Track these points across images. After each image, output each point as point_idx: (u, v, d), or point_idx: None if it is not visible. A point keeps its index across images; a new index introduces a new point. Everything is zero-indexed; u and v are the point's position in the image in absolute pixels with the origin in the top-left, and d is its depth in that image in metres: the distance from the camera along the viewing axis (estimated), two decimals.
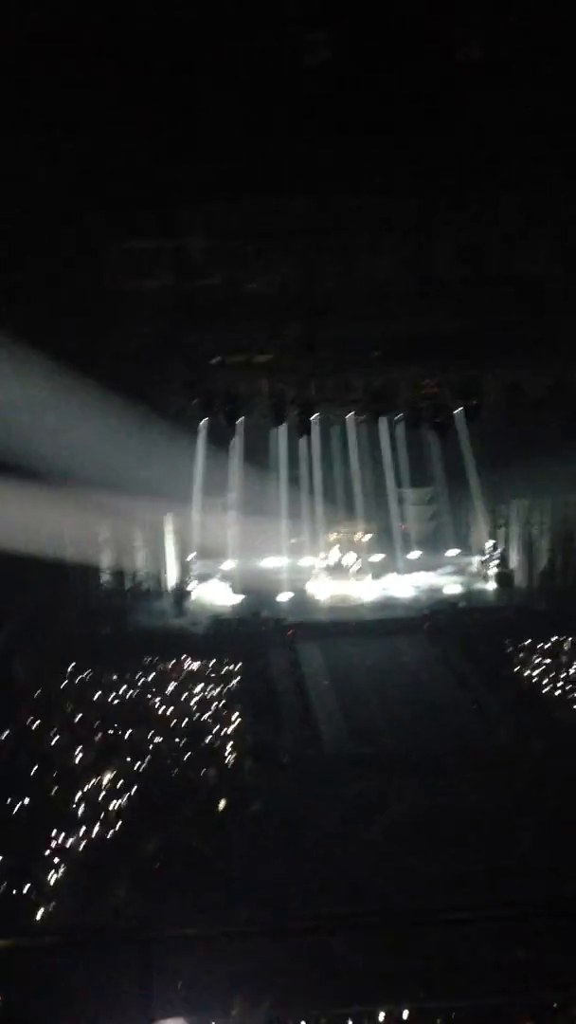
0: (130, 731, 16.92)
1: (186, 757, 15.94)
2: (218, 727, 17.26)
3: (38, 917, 12.08)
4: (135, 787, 14.93)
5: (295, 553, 25.92)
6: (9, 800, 14.32)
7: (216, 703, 18.37)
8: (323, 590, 24.65)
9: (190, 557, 25.01)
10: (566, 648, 20.54)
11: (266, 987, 7.86)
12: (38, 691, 18.41)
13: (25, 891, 12.35)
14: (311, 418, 24.21)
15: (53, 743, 16.31)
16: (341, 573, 25.15)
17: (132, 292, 21.18)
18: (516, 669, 19.81)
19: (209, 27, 15.47)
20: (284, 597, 24.12)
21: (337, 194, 19.99)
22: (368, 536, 26.01)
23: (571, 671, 19.28)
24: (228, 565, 25.34)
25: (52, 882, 12.64)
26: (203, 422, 24.24)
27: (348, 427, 25.61)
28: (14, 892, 12.25)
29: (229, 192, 19.89)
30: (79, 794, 14.64)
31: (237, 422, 23.90)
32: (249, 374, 23.59)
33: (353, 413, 25.26)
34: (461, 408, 24.16)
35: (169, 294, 21.62)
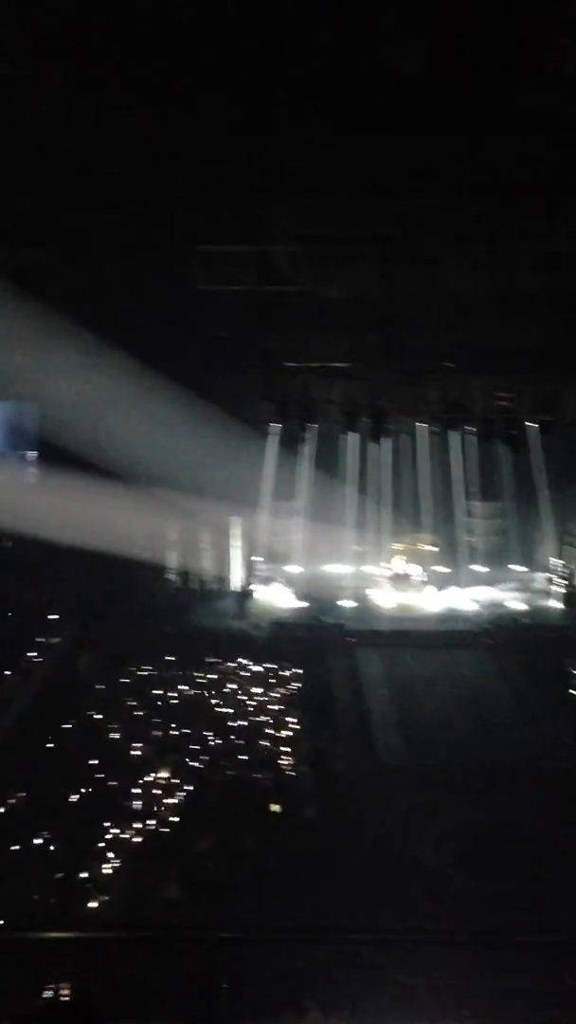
0: (188, 730, 17.15)
1: (242, 759, 16.11)
2: (275, 731, 17.41)
3: (92, 906, 12.38)
4: (191, 785, 15.15)
5: (359, 561, 25.95)
6: (69, 791, 14.65)
7: (274, 707, 18.51)
8: (385, 599, 24.67)
9: (255, 560, 25.19)
10: None
11: (326, 997, 7.98)
12: (101, 685, 18.72)
13: (81, 881, 12.65)
14: (383, 426, 24.22)
15: (113, 737, 16.59)
16: (404, 583, 25.13)
17: (213, 295, 21.41)
18: None
19: (299, 27, 15.55)
20: (346, 604, 24.19)
21: (420, 201, 19.96)
22: (433, 548, 25.95)
23: None
24: (292, 569, 25.46)
25: (107, 874, 12.88)
26: (276, 427, 24.38)
27: (419, 437, 25.57)
28: (71, 882, 12.54)
29: (312, 197, 20.00)
30: (136, 789, 14.90)
31: (309, 428, 24.02)
32: (324, 381, 23.69)
33: (426, 423, 25.21)
34: (535, 423, 23.97)
35: (249, 298, 21.80)
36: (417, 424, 25.33)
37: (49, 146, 17.63)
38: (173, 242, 20.70)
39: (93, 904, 12.46)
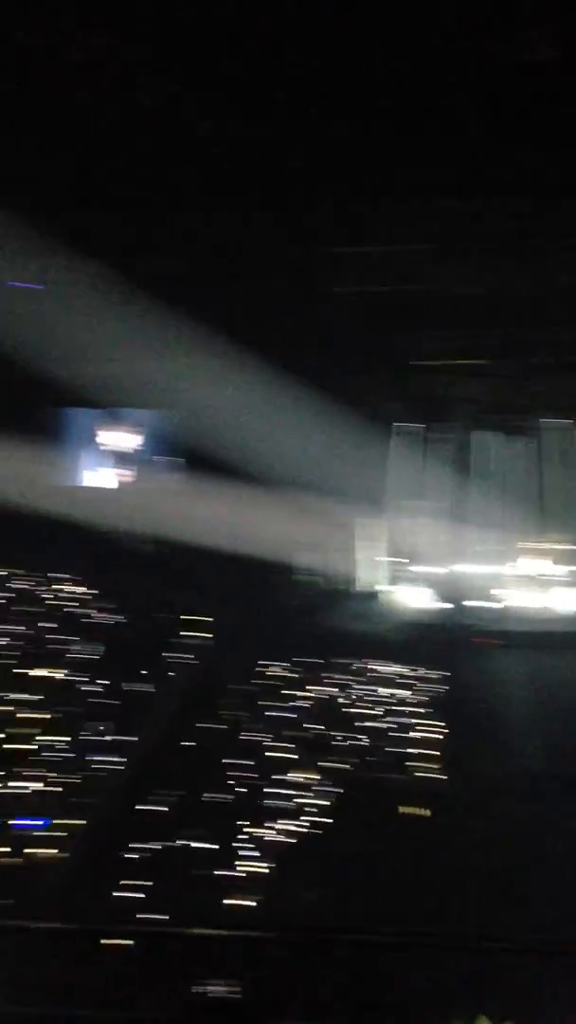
0: (324, 730, 17.28)
1: (382, 761, 16.13)
2: (409, 733, 17.38)
3: (238, 904, 12.63)
4: (334, 786, 15.26)
5: (493, 560, 25.57)
6: (213, 790, 14.96)
7: (407, 708, 18.48)
8: (521, 599, 24.25)
9: (384, 560, 25.11)
10: None
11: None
12: (242, 685, 19.02)
13: (227, 880, 12.91)
14: (515, 424, 23.83)
15: (255, 737, 16.85)
16: (539, 583, 24.66)
17: (341, 296, 21.46)
18: None
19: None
20: (480, 604, 23.89)
21: (551, 195, 19.56)
22: (567, 547, 25.37)
23: None
24: (424, 570, 25.28)
25: (253, 873, 13.10)
26: (406, 426, 24.27)
27: (552, 434, 25.04)
28: (218, 881, 12.82)
29: (441, 194, 19.82)
30: (280, 789, 15.10)
31: (439, 427, 23.82)
32: (455, 379, 23.46)
33: (559, 420, 24.68)
34: None
35: (377, 297, 21.76)
36: (550, 421, 24.81)
37: (192, 153, 18.01)
38: (303, 245, 20.83)
39: (240, 903, 12.69)
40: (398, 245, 21.22)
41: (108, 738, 16.16)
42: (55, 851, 13.53)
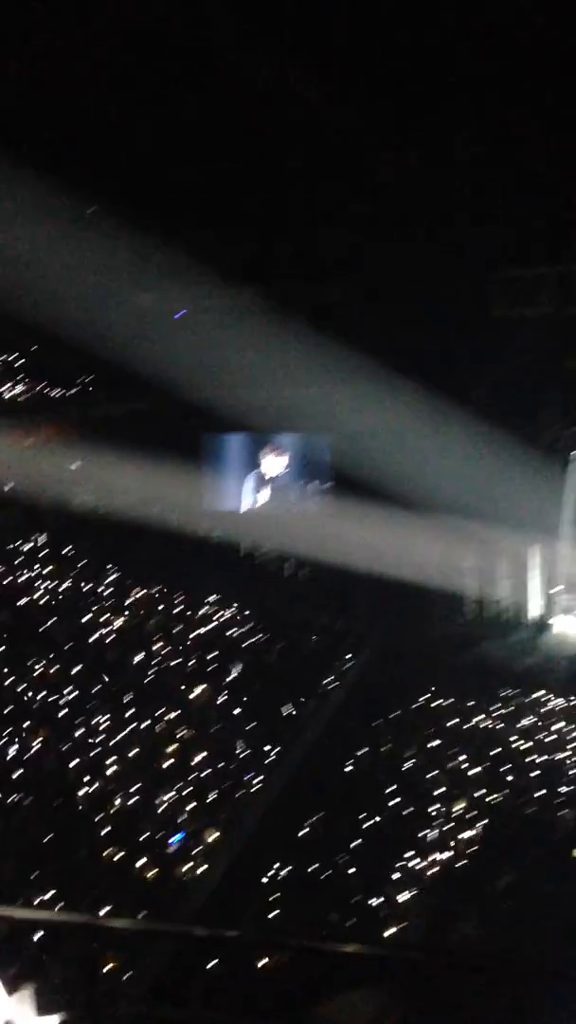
0: (484, 763, 16.66)
1: (542, 795, 15.39)
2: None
3: (386, 934, 12.24)
4: (487, 819, 14.67)
5: None
6: (365, 817, 14.65)
7: (574, 744, 17.59)
8: None
9: (557, 590, 24.22)
10: None
11: None
12: (394, 714, 18.64)
13: (376, 906, 12.56)
14: None
15: (407, 767, 16.44)
16: None
17: (513, 320, 21.10)
18: None
19: None
20: None
21: None
22: None
23: None
24: None
25: (402, 901, 12.70)
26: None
27: None
28: (368, 905, 12.48)
29: None
30: (431, 819, 14.63)
31: None
32: None
33: None
34: None
35: (550, 321, 21.28)
36: None
37: (349, 182, 18.18)
38: (472, 268, 20.62)
39: (389, 931, 12.31)
40: (573, 266, 20.70)
41: (256, 757, 16.09)
42: (203, 866, 13.48)
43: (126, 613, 19.70)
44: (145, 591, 20.28)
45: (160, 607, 20.21)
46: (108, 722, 16.09)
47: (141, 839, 13.68)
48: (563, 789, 15.64)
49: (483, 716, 18.78)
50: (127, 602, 20.27)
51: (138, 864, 13.17)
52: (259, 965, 10.77)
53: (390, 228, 19.76)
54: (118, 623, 19.33)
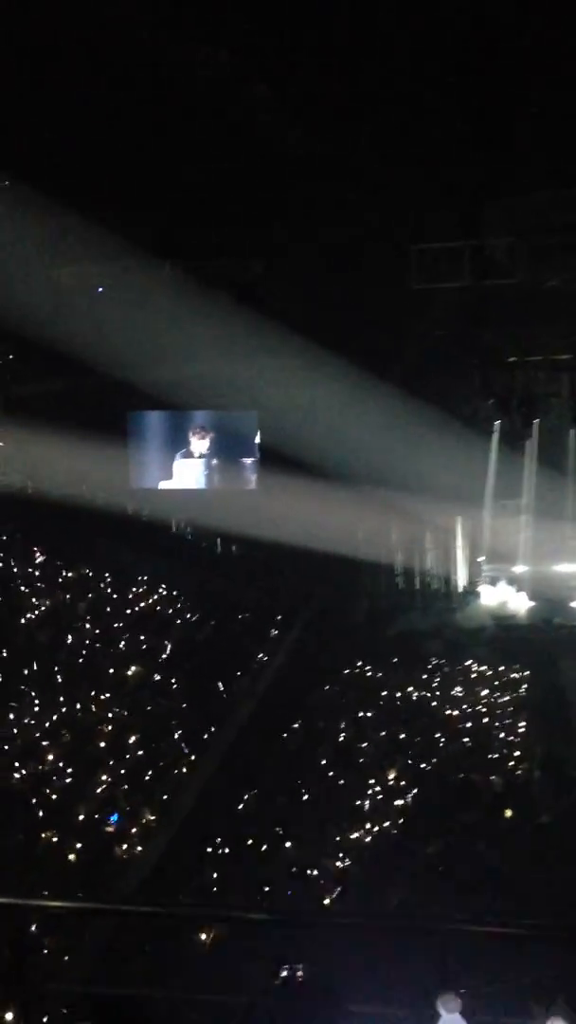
0: (415, 732, 16.98)
1: (471, 762, 15.77)
2: (505, 735, 16.95)
3: (325, 903, 12.45)
4: (418, 787, 14.97)
5: None
6: (298, 790, 14.84)
7: (503, 710, 18.04)
8: None
9: (480, 560, 24.69)
10: None
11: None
12: (327, 686, 18.87)
13: (314, 878, 12.76)
14: None
15: (341, 738, 16.67)
16: None
17: (430, 293, 21.19)
18: None
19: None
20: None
21: None
22: None
23: None
24: (519, 569, 24.74)
25: (340, 871, 12.92)
26: (498, 423, 23.81)
27: None
28: (304, 878, 12.67)
29: (531, 187, 19.45)
30: (365, 790, 14.88)
31: (533, 423, 23.27)
32: (548, 374, 22.91)
33: None
34: None
35: (467, 294, 21.44)
36: None
37: (265, 160, 18.07)
38: (388, 242, 20.67)
39: (326, 899, 12.52)
40: (488, 239, 20.89)
41: (191, 736, 16.15)
42: (137, 848, 13.53)
43: (55, 594, 19.51)
44: (73, 572, 20.11)
45: (89, 587, 20.05)
46: (40, 705, 15.95)
47: (77, 821, 13.65)
48: (492, 755, 16.04)
49: (412, 686, 19.12)
50: (55, 583, 20.06)
51: (75, 846, 13.15)
52: (200, 939, 10.90)
53: (308, 204, 19.70)
54: (47, 604, 19.13)
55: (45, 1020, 5.84)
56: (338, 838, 13.86)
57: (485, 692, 18.82)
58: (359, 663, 19.92)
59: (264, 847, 13.72)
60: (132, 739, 15.58)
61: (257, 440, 20.74)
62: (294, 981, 3.62)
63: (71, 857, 12.96)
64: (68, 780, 14.33)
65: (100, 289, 19.12)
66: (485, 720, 17.54)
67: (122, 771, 14.83)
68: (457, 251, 20.79)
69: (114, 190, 16.68)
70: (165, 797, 14.66)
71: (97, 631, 18.47)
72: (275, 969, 3.88)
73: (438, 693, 18.85)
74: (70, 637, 18.07)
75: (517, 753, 16.14)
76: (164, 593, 20.69)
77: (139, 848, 13.56)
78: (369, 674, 19.66)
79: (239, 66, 15.30)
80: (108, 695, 16.48)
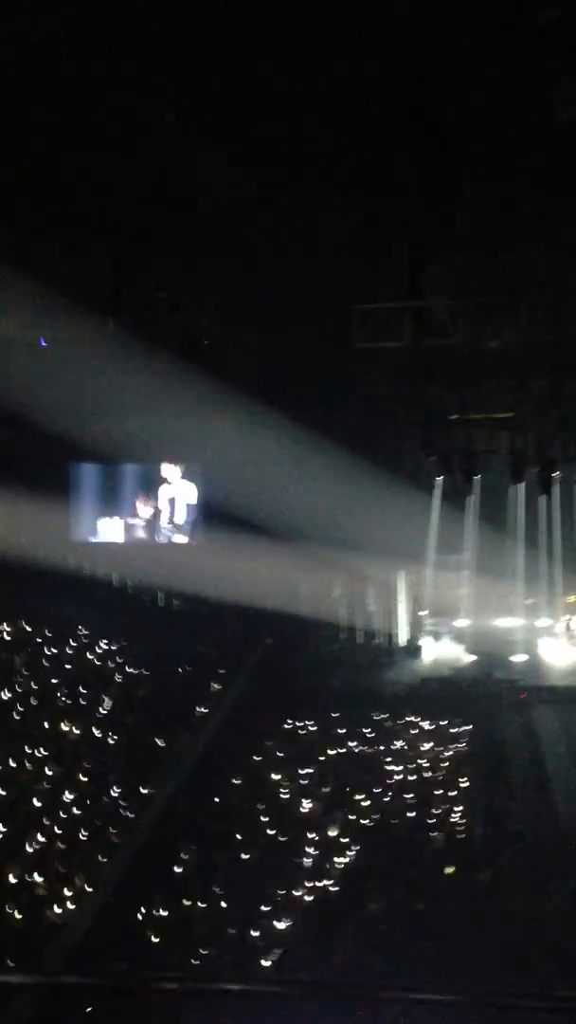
0: (357, 787, 16.84)
1: (413, 817, 15.66)
2: (446, 790, 16.87)
3: (266, 964, 12.17)
4: (360, 845, 14.81)
5: (530, 615, 25.13)
6: (240, 847, 14.58)
7: (445, 764, 17.99)
8: (559, 654, 23.72)
9: (423, 614, 24.81)
10: None
11: None
12: (269, 741, 18.67)
13: (253, 938, 12.49)
14: (550, 477, 23.47)
15: (283, 795, 16.47)
16: None
17: (371, 352, 21.46)
18: None
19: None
20: (518, 659, 23.41)
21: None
22: None
23: None
24: (461, 624, 24.91)
25: (280, 931, 12.68)
26: (439, 480, 24.08)
27: None
28: (243, 938, 12.40)
29: (471, 250, 19.87)
30: (305, 847, 14.68)
31: (474, 480, 23.56)
32: (489, 431, 23.25)
33: None
34: None
35: (408, 353, 21.74)
36: None
37: (209, 217, 18.29)
38: (330, 302, 20.94)
39: (265, 962, 12.25)
40: (429, 300, 21.27)
41: (129, 793, 15.81)
42: (71, 910, 13.14)
43: None
44: (11, 626, 19.77)
45: (27, 642, 19.72)
46: None
47: (9, 884, 13.24)
48: (434, 810, 15.94)
49: (355, 740, 19.01)
50: None
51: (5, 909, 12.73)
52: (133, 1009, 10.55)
53: (253, 258, 19.93)
54: None
55: None
56: (279, 897, 13.62)
57: (427, 746, 18.76)
58: (301, 718, 19.77)
59: (203, 907, 13.43)
60: (69, 797, 15.22)
61: (199, 493, 20.73)
62: None
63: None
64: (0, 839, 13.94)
65: (43, 343, 19.05)
66: (427, 775, 17.46)
67: (57, 830, 14.44)
68: (398, 312, 21.13)
69: (56, 240, 16.70)
70: (101, 857, 14.27)
71: (34, 686, 18.13)
72: None
73: (380, 747, 18.74)
74: (6, 693, 17.70)
75: (459, 808, 16.06)
76: (104, 648, 20.42)
77: (73, 911, 13.15)
78: (312, 728, 19.50)
79: (180, 118, 15.48)
80: (45, 752, 16.12)
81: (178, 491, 20.83)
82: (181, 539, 20.82)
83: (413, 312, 21.25)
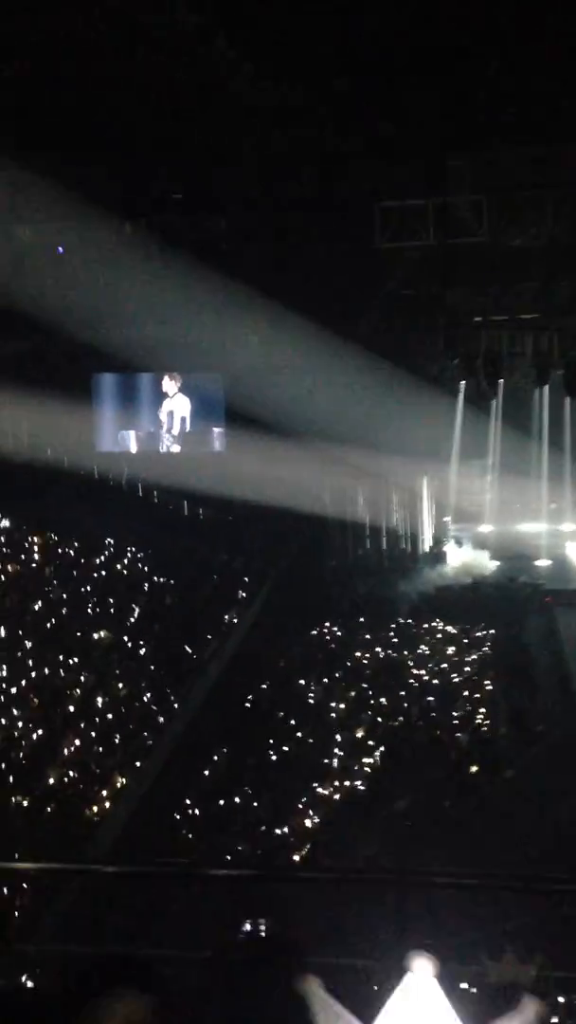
0: (383, 690, 17.14)
1: (438, 719, 15.97)
2: (471, 691, 17.15)
3: (296, 859, 12.61)
4: (386, 745, 15.15)
5: (555, 519, 25.10)
6: (268, 749, 14.96)
7: (469, 668, 18.25)
8: None
9: (446, 520, 24.85)
10: None
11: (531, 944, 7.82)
12: (295, 646, 18.97)
13: (282, 834, 12.91)
14: None
15: (310, 698, 16.80)
16: None
17: (394, 252, 21.05)
18: None
19: None
20: (542, 563, 23.49)
21: None
22: None
23: None
24: (485, 528, 24.94)
25: (309, 828, 13.08)
26: (464, 383, 23.84)
27: None
28: (274, 833, 12.82)
29: (497, 144, 19.31)
30: (333, 748, 15.04)
31: (498, 383, 23.32)
32: (513, 334, 22.91)
33: None
34: None
35: (431, 253, 21.31)
36: None
37: (227, 115, 17.82)
38: (352, 200, 20.47)
39: (295, 856, 12.68)
40: (453, 197, 20.74)
41: (160, 698, 16.20)
42: (107, 809, 13.61)
43: (22, 559, 19.43)
44: (39, 537, 20.01)
45: (57, 552, 19.99)
46: (8, 669, 15.95)
47: (49, 784, 13.71)
48: (457, 712, 16.24)
49: (379, 645, 19.28)
50: (22, 548, 19.98)
51: (46, 809, 13.21)
52: (174, 898, 11.01)
53: (271, 161, 19.46)
54: (13, 569, 19.06)
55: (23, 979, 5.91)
56: (307, 796, 14.02)
57: (451, 650, 19.01)
58: (326, 623, 20.04)
59: (234, 807, 13.86)
60: (101, 702, 15.62)
61: (222, 401, 20.67)
62: (256, 935, 3.66)
63: (43, 819, 13.04)
64: (37, 743, 14.38)
65: (60, 250, 18.81)
66: (452, 678, 17.73)
67: (92, 734, 14.87)
68: (421, 210, 20.64)
69: (74, 145, 16.37)
70: (135, 760, 14.71)
71: (64, 595, 18.44)
72: (238, 924, 3.95)
73: (405, 652, 19.01)
74: (38, 603, 18.04)
75: (483, 710, 16.35)
76: (131, 556, 20.66)
77: (110, 809, 13.63)
78: (337, 634, 19.78)
79: (198, 17, 15.00)
80: (76, 659, 16.49)
81: (176, 404, 20.79)
82: (206, 448, 20.86)
83: (436, 210, 20.77)
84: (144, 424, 20.75)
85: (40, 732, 14.58)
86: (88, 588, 19.05)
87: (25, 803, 13.21)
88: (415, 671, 18.16)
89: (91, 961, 3.08)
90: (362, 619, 20.27)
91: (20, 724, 14.75)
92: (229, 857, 12.39)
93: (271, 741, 15.35)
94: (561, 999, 7.43)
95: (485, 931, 7.07)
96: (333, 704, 16.66)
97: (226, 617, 19.63)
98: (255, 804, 13.91)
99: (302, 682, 17.42)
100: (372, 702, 16.75)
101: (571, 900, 7.81)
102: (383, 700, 16.76)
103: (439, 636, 19.84)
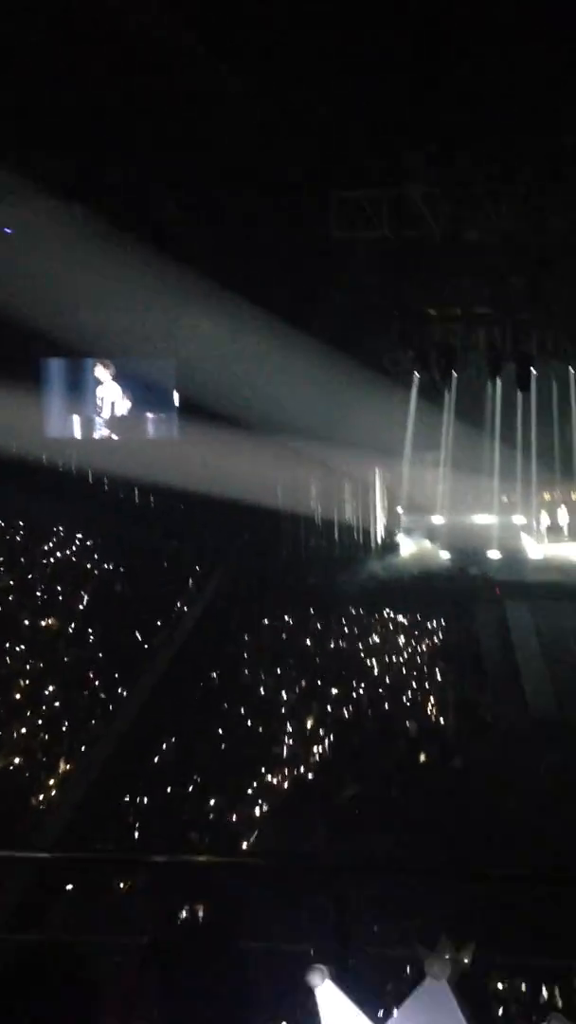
0: (333, 680, 17.16)
1: (388, 709, 16.02)
2: (421, 681, 17.23)
3: (243, 847, 12.56)
4: (336, 734, 15.16)
5: (506, 511, 25.32)
6: (216, 738, 14.90)
7: (419, 658, 18.33)
8: (534, 550, 24.01)
9: (398, 511, 24.94)
10: None
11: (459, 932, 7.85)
12: (245, 635, 18.92)
13: (229, 822, 12.87)
14: (528, 373, 23.36)
15: (260, 689, 16.77)
16: (553, 533, 24.40)
17: (350, 242, 21.00)
18: None
19: None
20: (493, 555, 23.67)
21: (568, 136, 19.02)
22: None
23: None
24: (437, 521, 25.08)
25: (258, 817, 13.05)
26: (417, 376, 23.92)
27: (570, 383, 24.60)
28: (220, 822, 12.77)
29: (452, 136, 19.33)
30: (282, 737, 15.01)
31: (451, 376, 23.42)
32: (466, 327, 23.00)
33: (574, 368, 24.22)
34: None
35: (388, 244, 21.30)
36: (567, 369, 24.36)
37: (183, 97, 17.62)
38: (308, 190, 20.39)
39: (244, 844, 12.64)
40: (409, 189, 20.75)
41: (108, 686, 16.06)
42: (54, 796, 13.46)
43: None
44: None
45: (3, 538, 19.71)
46: None
47: None
48: (406, 702, 16.31)
49: (331, 635, 19.30)
50: None
51: None
52: (119, 885, 10.94)
53: (229, 147, 19.29)
54: None
55: None
56: (256, 785, 13.98)
57: (402, 640, 19.09)
58: (278, 613, 20.01)
59: (182, 795, 13.78)
60: (49, 690, 15.44)
61: (173, 388, 20.51)
62: (193, 919, 3.61)
63: None
64: None
65: (8, 231, 18.48)
66: (402, 668, 17.81)
67: (39, 721, 14.69)
68: (376, 200, 20.60)
69: (17, 127, 16.09)
70: (82, 748, 14.55)
71: (11, 582, 18.20)
72: (175, 909, 3.92)
73: (356, 642, 19.05)
74: None
75: (432, 700, 16.43)
76: (81, 544, 20.46)
77: (55, 797, 13.47)
78: (288, 624, 19.76)
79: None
80: (23, 647, 16.29)
81: (107, 391, 20.64)
82: (157, 435, 20.70)
83: (391, 201, 20.76)
84: (86, 410, 20.54)
85: None
86: (35, 576, 18.83)
87: None
88: (366, 661, 18.20)
89: (26, 949, 3.01)
90: (313, 609, 20.26)
91: None
92: (175, 845, 12.31)
93: (220, 731, 15.28)
94: (500, 985, 7.49)
95: (425, 918, 7.08)
96: (283, 693, 16.64)
97: (176, 605, 19.51)
98: (203, 793, 13.84)
99: (252, 672, 17.38)
100: (322, 692, 16.76)
101: (514, 889, 7.87)
102: (333, 690, 16.77)
103: (390, 626, 19.91)
